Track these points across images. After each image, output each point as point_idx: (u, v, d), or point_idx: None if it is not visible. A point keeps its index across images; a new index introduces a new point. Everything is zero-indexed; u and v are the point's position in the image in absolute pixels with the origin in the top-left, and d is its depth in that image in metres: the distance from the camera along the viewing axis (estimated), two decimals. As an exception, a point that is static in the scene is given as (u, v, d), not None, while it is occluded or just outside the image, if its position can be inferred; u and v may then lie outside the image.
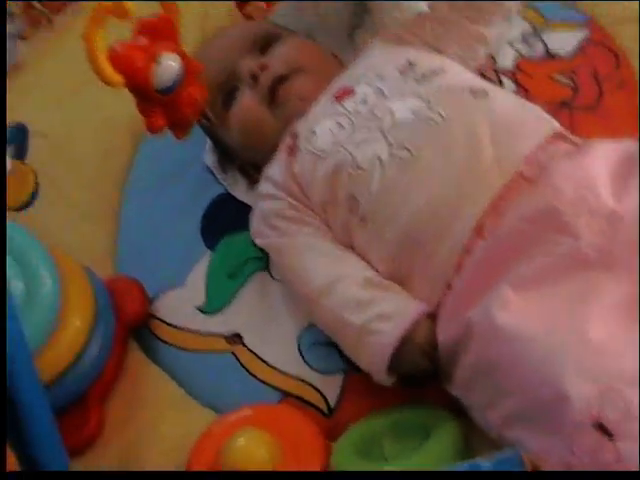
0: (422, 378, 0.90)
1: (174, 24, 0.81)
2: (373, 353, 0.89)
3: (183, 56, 0.82)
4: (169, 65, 0.81)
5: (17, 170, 0.93)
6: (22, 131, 1.28)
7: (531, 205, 0.85)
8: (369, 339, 0.89)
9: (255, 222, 1.04)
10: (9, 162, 0.90)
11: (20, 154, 1.26)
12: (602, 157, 0.88)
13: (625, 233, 0.82)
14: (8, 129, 1.18)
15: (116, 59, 0.77)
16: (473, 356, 0.84)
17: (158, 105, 0.82)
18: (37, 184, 0.94)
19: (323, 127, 0.98)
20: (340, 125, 0.97)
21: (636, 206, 0.83)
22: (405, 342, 0.88)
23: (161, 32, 0.81)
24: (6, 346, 0.74)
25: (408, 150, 0.91)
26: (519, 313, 0.80)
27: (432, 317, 0.89)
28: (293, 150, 1.01)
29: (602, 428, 0.72)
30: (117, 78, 0.77)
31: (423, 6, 1.10)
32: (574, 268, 0.81)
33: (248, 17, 1.29)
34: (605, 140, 0.91)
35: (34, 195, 0.94)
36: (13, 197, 0.91)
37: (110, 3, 0.76)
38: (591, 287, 0.80)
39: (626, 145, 0.90)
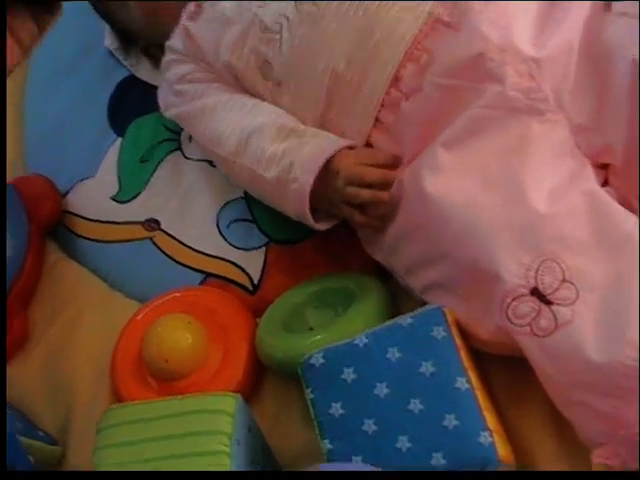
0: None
1: None
2: (293, 201, 0.85)
3: None
4: None
5: None
6: None
7: (457, 55, 0.80)
8: (285, 190, 0.85)
9: (162, 94, 0.99)
10: None
11: None
12: None
13: (553, 76, 0.78)
14: None
15: None
16: (401, 219, 0.81)
17: None
18: None
19: None
20: None
21: (562, 46, 0.79)
22: (322, 182, 0.83)
23: None
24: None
25: (314, 3, 0.86)
26: (451, 179, 0.76)
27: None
28: (193, 17, 0.96)
29: (538, 294, 0.70)
30: None
31: None
32: (504, 115, 0.77)
33: None
34: None
35: None
36: None
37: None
38: (525, 138, 0.76)
39: None
